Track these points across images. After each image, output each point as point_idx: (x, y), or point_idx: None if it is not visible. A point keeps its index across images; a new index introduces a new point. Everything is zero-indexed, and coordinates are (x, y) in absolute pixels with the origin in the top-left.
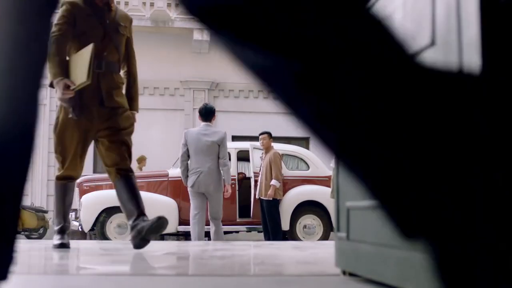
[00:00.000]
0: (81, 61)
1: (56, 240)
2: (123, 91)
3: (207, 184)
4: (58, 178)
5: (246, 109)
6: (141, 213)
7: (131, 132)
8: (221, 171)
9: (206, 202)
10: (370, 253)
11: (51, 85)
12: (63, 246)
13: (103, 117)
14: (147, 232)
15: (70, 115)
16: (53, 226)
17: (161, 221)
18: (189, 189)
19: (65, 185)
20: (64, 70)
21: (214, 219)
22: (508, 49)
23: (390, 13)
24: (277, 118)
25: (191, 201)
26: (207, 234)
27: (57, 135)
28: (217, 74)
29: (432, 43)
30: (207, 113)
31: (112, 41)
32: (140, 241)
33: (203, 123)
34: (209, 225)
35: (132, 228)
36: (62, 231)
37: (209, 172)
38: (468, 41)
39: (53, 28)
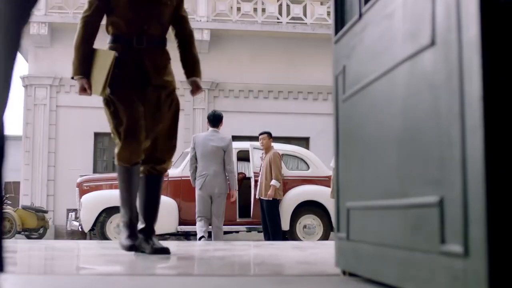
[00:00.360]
0: (101, 68)
1: (124, 239)
2: (171, 69)
3: (212, 187)
4: (123, 155)
5: (246, 109)
6: (146, 228)
7: (177, 117)
8: (227, 176)
9: (211, 204)
10: (370, 253)
11: (73, 78)
12: (133, 249)
13: (147, 98)
14: (145, 251)
15: (107, 93)
16: (120, 219)
17: (163, 252)
18: (197, 191)
19: (128, 169)
20: (86, 66)
21: (216, 218)
22: (508, 49)
23: (390, 13)
24: (277, 118)
25: (196, 204)
26: (209, 234)
27: (110, 111)
28: (217, 74)
29: (432, 43)
30: (215, 120)
31: (151, 13)
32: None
33: (210, 129)
34: (210, 224)
35: (138, 232)
36: (130, 226)
37: (214, 175)
38: (468, 41)
39: (85, 7)
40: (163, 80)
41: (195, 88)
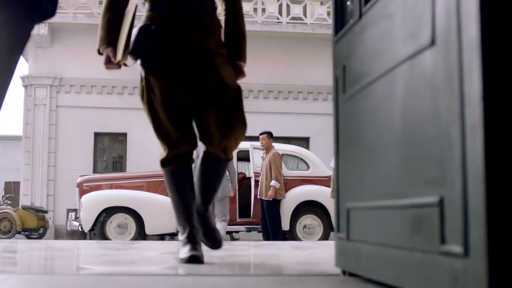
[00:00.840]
0: (123, 28)
1: (184, 252)
2: (222, 38)
3: None
4: (164, 163)
5: (246, 109)
6: (191, 228)
7: (238, 90)
8: (228, 174)
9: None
10: (370, 253)
11: (100, 52)
12: (195, 259)
13: (195, 71)
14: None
15: (142, 74)
16: (178, 236)
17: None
18: None
19: (174, 171)
20: (111, 34)
21: (221, 219)
22: (508, 49)
23: (390, 13)
24: (277, 118)
25: None
26: None
27: (146, 104)
28: None
29: (432, 43)
30: None
31: None
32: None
33: None
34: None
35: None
36: (190, 239)
37: None
38: (468, 41)
39: None
40: (209, 49)
41: (238, 73)
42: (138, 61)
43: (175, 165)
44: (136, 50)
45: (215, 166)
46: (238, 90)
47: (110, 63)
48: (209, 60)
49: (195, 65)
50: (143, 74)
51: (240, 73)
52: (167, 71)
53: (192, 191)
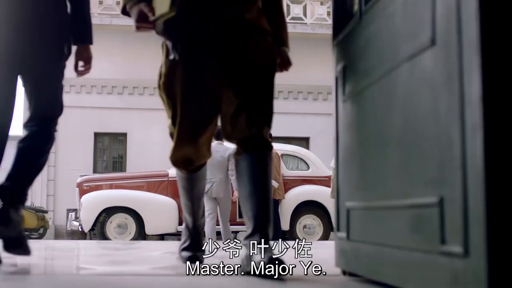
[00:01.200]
0: None
1: (184, 250)
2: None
3: (218, 192)
4: (172, 161)
5: None
6: (258, 227)
7: (273, 73)
8: (230, 179)
9: (217, 205)
10: (370, 253)
11: (124, 12)
12: (195, 259)
13: (228, 49)
14: (260, 271)
15: (172, 55)
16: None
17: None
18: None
19: (185, 177)
20: None
21: (223, 219)
22: (508, 49)
23: (390, 13)
24: (277, 118)
25: (205, 204)
26: (217, 233)
27: (163, 90)
28: None
29: (432, 43)
30: (218, 134)
31: None
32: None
33: (215, 142)
34: (219, 225)
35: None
36: (193, 234)
37: (220, 182)
38: (468, 41)
39: None
40: (247, 20)
41: (285, 62)
42: (169, 43)
43: (187, 169)
44: (168, 31)
45: (265, 158)
46: (272, 73)
47: (143, 21)
48: (248, 34)
49: (230, 42)
50: (176, 57)
51: (288, 61)
52: (196, 56)
53: (202, 189)
